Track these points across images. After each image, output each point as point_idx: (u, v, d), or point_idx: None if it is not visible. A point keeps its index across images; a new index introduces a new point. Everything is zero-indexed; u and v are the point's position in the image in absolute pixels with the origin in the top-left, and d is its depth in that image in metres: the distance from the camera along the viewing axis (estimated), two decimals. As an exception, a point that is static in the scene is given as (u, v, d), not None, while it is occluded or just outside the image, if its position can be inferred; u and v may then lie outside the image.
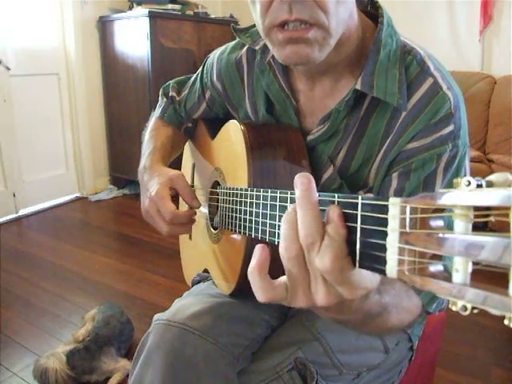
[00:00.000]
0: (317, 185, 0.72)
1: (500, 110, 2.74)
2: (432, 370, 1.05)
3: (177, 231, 0.77)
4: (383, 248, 0.33)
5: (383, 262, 0.33)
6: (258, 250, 0.42)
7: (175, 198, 0.77)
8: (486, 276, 0.26)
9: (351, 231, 0.37)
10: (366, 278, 0.38)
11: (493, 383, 1.49)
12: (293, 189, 0.41)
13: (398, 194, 0.65)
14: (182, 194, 0.77)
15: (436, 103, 0.63)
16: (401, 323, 0.56)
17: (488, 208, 0.26)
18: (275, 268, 0.43)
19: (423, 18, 3.08)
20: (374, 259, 0.35)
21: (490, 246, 0.25)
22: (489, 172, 2.49)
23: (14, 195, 2.93)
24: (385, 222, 0.33)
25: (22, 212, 2.98)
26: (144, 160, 0.87)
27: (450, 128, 0.63)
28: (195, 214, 0.78)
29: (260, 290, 0.42)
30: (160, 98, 1.00)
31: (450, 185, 0.64)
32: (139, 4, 3.14)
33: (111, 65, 3.27)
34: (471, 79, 2.83)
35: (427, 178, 0.64)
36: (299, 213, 0.39)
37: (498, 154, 2.67)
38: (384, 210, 0.33)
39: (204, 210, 0.88)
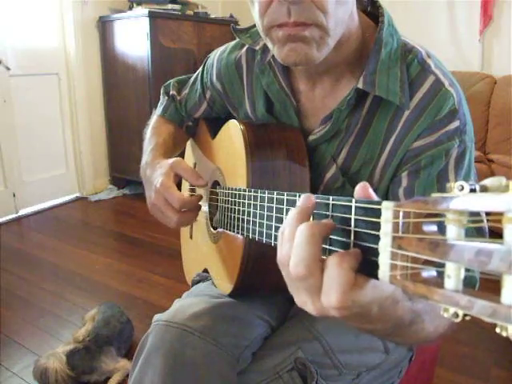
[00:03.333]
0: (320, 183, 0.73)
1: (500, 110, 2.74)
2: (432, 370, 1.05)
3: (185, 220, 0.75)
4: (376, 252, 0.33)
5: (375, 266, 0.33)
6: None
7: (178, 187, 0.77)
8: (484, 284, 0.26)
9: (344, 234, 0.37)
10: (380, 288, 0.36)
11: (493, 383, 1.49)
12: (291, 190, 0.41)
13: (407, 193, 0.65)
14: (185, 176, 0.75)
15: (439, 100, 0.63)
16: (436, 330, 0.53)
17: (483, 213, 0.25)
18: (274, 268, 0.43)
19: (423, 18, 3.08)
20: (366, 263, 0.34)
21: (481, 252, 0.24)
22: (489, 172, 2.49)
23: (14, 195, 2.93)
24: (377, 226, 0.33)
25: (22, 212, 2.98)
26: (146, 156, 0.87)
27: (456, 124, 0.63)
28: (201, 198, 0.77)
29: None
30: (161, 96, 1.01)
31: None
32: (139, 4, 3.14)
33: (111, 65, 3.26)
34: (471, 79, 2.83)
35: (440, 176, 0.63)
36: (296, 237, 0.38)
37: (498, 154, 2.67)
38: (377, 213, 0.33)
39: (204, 209, 0.88)
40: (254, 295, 0.78)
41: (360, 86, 0.65)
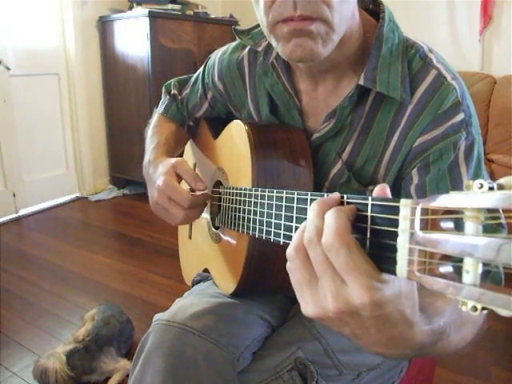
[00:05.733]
0: (325, 180, 0.73)
1: (500, 110, 2.74)
2: (432, 370, 1.05)
3: (191, 217, 0.75)
4: (393, 248, 0.33)
5: (393, 262, 0.33)
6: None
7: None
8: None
9: (361, 231, 0.37)
10: (397, 283, 0.36)
11: (493, 383, 1.49)
12: (296, 188, 0.41)
13: (419, 189, 0.65)
14: (186, 177, 0.75)
15: (442, 93, 0.63)
16: (463, 339, 0.52)
17: (499, 210, 0.26)
18: (277, 267, 0.43)
19: (423, 18, 3.08)
20: (383, 259, 0.35)
21: (499, 247, 0.25)
22: (489, 172, 2.49)
23: (14, 195, 2.93)
24: (395, 223, 0.33)
25: (22, 212, 2.98)
26: (148, 155, 0.87)
27: (461, 116, 0.63)
28: (209, 197, 0.77)
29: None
30: (163, 95, 1.01)
31: (476, 174, 0.64)
32: (139, 4, 3.14)
33: (111, 65, 3.26)
34: (471, 79, 2.83)
35: (451, 169, 0.63)
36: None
37: (498, 154, 2.67)
38: (395, 210, 0.34)
39: (205, 209, 0.88)
40: (255, 295, 0.78)
41: (361, 82, 0.65)
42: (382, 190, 0.38)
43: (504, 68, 2.84)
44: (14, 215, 2.93)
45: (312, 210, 0.39)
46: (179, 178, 0.75)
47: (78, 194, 3.35)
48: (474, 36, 2.96)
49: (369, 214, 0.37)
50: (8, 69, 2.79)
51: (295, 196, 0.47)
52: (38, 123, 3.05)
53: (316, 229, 0.37)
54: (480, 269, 0.27)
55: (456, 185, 0.63)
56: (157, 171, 0.78)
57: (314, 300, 0.39)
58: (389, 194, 0.38)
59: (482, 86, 2.80)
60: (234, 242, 0.75)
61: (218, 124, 0.89)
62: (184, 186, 0.80)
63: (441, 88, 0.64)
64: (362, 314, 0.36)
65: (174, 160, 0.76)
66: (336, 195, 0.40)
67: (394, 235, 0.33)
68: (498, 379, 1.50)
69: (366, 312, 0.36)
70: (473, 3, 2.91)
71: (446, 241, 0.29)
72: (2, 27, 2.74)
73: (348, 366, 0.72)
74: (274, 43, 0.64)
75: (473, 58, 2.99)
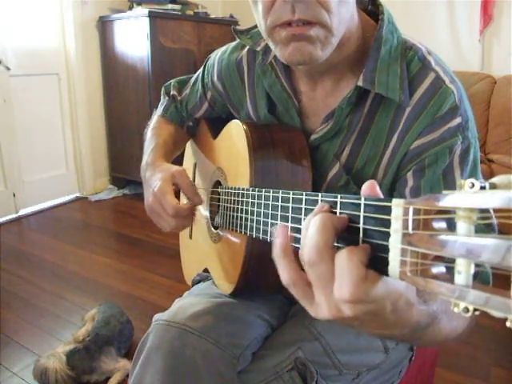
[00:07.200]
0: (323, 182, 0.73)
1: (500, 110, 2.74)
2: (432, 370, 1.05)
3: (180, 225, 0.76)
4: (386, 249, 0.33)
5: (385, 262, 0.33)
6: (281, 229, 0.41)
7: (177, 194, 0.77)
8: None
9: (353, 232, 0.37)
10: (391, 283, 0.36)
11: (493, 383, 1.49)
12: (294, 189, 0.41)
13: (413, 192, 0.65)
14: (183, 190, 0.76)
15: (440, 97, 0.63)
16: (454, 331, 0.53)
17: (492, 210, 0.26)
18: (274, 268, 0.42)
19: (423, 18, 3.08)
20: (376, 260, 0.35)
21: (491, 248, 0.25)
22: (489, 172, 2.49)
23: (14, 195, 2.93)
24: (387, 223, 0.33)
25: (22, 212, 2.98)
26: (146, 157, 0.87)
27: (458, 120, 0.63)
28: (193, 207, 0.77)
29: (285, 270, 0.40)
30: (162, 96, 1.01)
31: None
32: (139, 4, 3.14)
33: (111, 65, 3.27)
34: (471, 79, 2.83)
35: (446, 173, 0.63)
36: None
37: (498, 154, 2.67)
38: (387, 211, 0.33)
39: (205, 209, 0.88)
40: (255, 295, 0.78)
41: (360, 83, 0.65)
42: (370, 187, 0.37)
43: (504, 68, 2.84)
44: (14, 215, 2.93)
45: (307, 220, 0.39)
46: (176, 187, 0.76)
47: (78, 194, 3.35)
48: (474, 36, 2.96)
49: (361, 214, 0.36)
50: (8, 69, 2.79)
51: (290, 196, 0.47)
52: (38, 123, 3.05)
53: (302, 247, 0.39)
54: (472, 269, 0.27)
55: (450, 189, 0.63)
56: (154, 175, 0.78)
57: (328, 302, 0.39)
58: (379, 192, 0.37)
59: (482, 86, 2.80)
60: (232, 241, 0.75)
61: (217, 124, 0.89)
62: (183, 198, 0.80)
63: (439, 91, 0.64)
64: (362, 318, 0.37)
65: (174, 169, 0.77)
66: (324, 206, 0.40)
67: (387, 236, 0.33)
68: (497, 379, 1.50)
69: (360, 320, 0.38)
70: (473, 3, 2.91)
71: (439, 241, 0.28)
72: (2, 27, 2.74)
73: (348, 366, 0.72)
74: (272, 46, 0.64)
75: (473, 58, 2.99)
